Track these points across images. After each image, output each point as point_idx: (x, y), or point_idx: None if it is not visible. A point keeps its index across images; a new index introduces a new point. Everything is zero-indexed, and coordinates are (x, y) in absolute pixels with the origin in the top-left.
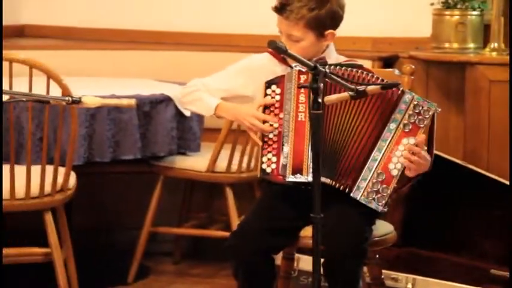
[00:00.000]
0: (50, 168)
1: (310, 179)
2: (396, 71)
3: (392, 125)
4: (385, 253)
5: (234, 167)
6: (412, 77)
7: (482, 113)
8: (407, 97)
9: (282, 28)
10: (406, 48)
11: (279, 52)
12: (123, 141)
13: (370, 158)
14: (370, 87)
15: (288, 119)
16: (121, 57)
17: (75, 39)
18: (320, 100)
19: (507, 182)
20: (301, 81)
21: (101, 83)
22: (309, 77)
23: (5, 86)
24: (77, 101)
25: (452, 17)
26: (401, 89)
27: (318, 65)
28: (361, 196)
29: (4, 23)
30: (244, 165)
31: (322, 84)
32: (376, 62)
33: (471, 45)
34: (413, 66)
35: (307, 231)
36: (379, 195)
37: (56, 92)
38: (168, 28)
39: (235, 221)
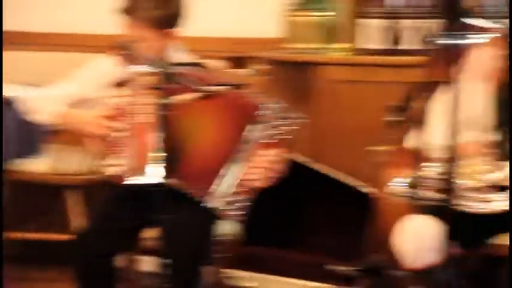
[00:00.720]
0: None
1: (150, 180)
2: (251, 71)
3: (249, 136)
4: (226, 252)
5: (77, 168)
6: (265, 77)
7: (328, 112)
8: (265, 108)
9: (127, 28)
10: (257, 49)
11: (124, 50)
12: None
13: (228, 169)
14: (213, 87)
15: (129, 122)
16: None
17: None
18: (166, 101)
19: (345, 179)
20: (142, 82)
21: None
22: (152, 78)
23: None
24: None
25: (301, 18)
26: (260, 99)
27: (164, 66)
28: (213, 204)
29: None
30: (86, 167)
31: (169, 86)
32: (228, 62)
33: (317, 45)
34: (267, 67)
35: (148, 233)
36: (230, 204)
37: None
38: (14, 28)
39: (75, 224)
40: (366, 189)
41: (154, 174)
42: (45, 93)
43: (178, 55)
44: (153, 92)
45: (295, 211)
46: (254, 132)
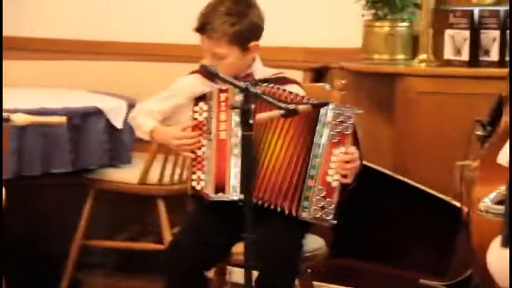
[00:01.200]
0: None
1: (232, 197)
2: (327, 86)
3: (319, 139)
4: (316, 265)
5: (166, 179)
6: (343, 92)
7: (412, 124)
8: (325, 109)
9: (205, 47)
10: (336, 59)
11: (211, 76)
12: (54, 155)
13: (307, 176)
14: (301, 106)
15: (210, 138)
16: (55, 67)
17: (10, 48)
18: (251, 121)
19: (435, 193)
20: (222, 99)
21: (32, 94)
22: (230, 94)
23: None
24: (6, 120)
25: (382, 29)
26: (313, 99)
27: (248, 86)
28: (308, 215)
29: None
30: (176, 177)
31: (253, 106)
32: (307, 73)
33: (400, 56)
34: (343, 82)
35: (239, 247)
36: (325, 210)
37: None
38: (103, 38)
39: (167, 234)
40: (455, 203)
41: (238, 190)
42: (142, 109)
43: (260, 69)
44: (235, 109)
45: (385, 224)
46: (321, 135)
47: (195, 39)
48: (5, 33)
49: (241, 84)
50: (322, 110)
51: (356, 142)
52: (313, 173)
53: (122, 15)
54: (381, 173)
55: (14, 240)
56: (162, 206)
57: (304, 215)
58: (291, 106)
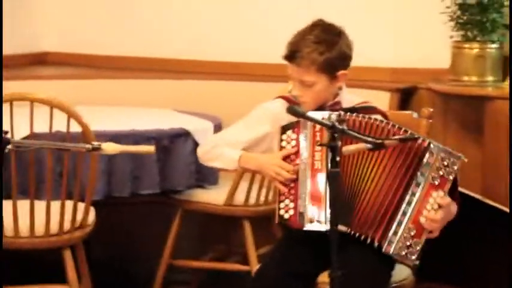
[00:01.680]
0: (69, 204)
1: (326, 228)
2: (414, 114)
3: (420, 179)
4: None
5: (252, 200)
6: (431, 120)
7: (501, 148)
8: (433, 149)
9: (293, 74)
10: (424, 79)
11: (298, 117)
12: (142, 176)
13: (400, 212)
14: (388, 141)
15: (304, 167)
16: (142, 86)
17: (96, 67)
18: (338, 158)
19: None
20: (317, 129)
21: (121, 114)
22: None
23: (27, 126)
24: (97, 148)
25: (471, 50)
26: (427, 141)
27: (335, 124)
28: (393, 251)
29: (25, 50)
30: (262, 198)
31: (340, 143)
32: (394, 94)
33: (490, 78)
34: (431, 110)
35: (325, 277)
36: (410, 249)
37: (76, 126)
38: (188, 56)
39: (252, 254)
40: None
41: (327, 220)
42: (222, 139)
43: (347, 97)
44: (323, 139)
45: (473, 248)
46: (423, 174)
47: (280, 59)
48: (90, 51)
49: (328, 122)
50: (430, 149)
51: (455, 190)
52: (407, 210)
53: (209, 35)
54: (469, 196)
55: (102, 259)
56: (247, 227)
57: (389, 249)
58: (378, 140)
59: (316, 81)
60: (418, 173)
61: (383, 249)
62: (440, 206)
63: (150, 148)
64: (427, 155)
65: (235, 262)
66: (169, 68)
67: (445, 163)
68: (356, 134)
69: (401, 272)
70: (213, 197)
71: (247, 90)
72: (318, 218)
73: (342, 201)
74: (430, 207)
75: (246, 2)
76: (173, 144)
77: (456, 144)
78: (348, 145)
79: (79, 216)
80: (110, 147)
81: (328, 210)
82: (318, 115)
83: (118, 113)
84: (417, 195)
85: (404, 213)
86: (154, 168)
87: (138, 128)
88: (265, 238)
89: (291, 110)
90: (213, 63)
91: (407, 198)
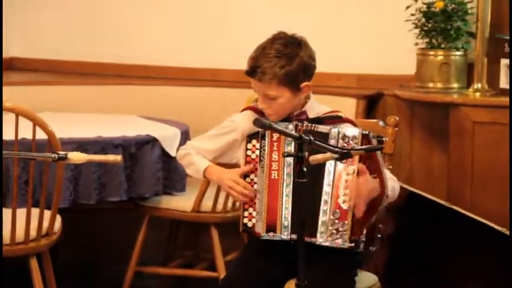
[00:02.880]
0: (35, 212)
1: (284, 237)
2: (380, 123)
3: (329, 165)
4: None
5: (220, 206)
6: (397, 129)
7: (466, 153)
8: (333, 131)
9: (256, 89)
10: (390, 86)
11: (265, 129)
12: (109, 183)
13: (322, 201)
14: (354, 151)
15: (261, 177)
16: (108, 92)
17: (63, 73)
18: (305, 169)
19: (490, 224)
20: (274, 139)
21: (87, 121)
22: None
23: None
24: (63, 158)
25: (436, 57)
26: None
27: (302, 135)
28: (325, 241)
29: None
30: (229, 204)
31: (306, 153)
32: (360, 100)
33: (455, 85)
34: (397, 118)
35: (291, 284)
36: (340, 232)
37: (42, 134)
38: (155, 63)
39: (220, 261)
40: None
41: (289, 230)
42: (193, 147)
43: (314, 107)
44: (289, 157)
45: (439, 254)
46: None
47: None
48: (57, 57)
49: (295, 133)
50: (331, 133)
51: (378, 169)
52: (326, 198)
53: (177, 41)
54: (434, 202)
55: (69, 266)
56: (215, 234)
57: (321, 240)
58: (345, 150)
59: (278, 94)
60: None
61: (317, 242)
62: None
63: (116, 157)
64: (329, 139)
65: (203, 268)
66: (135, 74)
67: (346, 140)
68: (323, 144)
69: (367, 280)
70: (180, 203)
71: (214, 96)
72: (274, 229)
73: (306, 211)
74: (344, 187)
75: (213, 9)
76: (140, 151)
77: (422, 151)
78: (315, 155)
79: (45, 224)
80: (76, 157)
81: (287, 219)
82: (283, 126)
83: (84, 119)
84: (331, 181)
85: (325, 201)
86: (121, 175)
87: (104, 135)
88: (233, 244)
89: (257, 123)
90: (180, 69)
91: (324, 188)
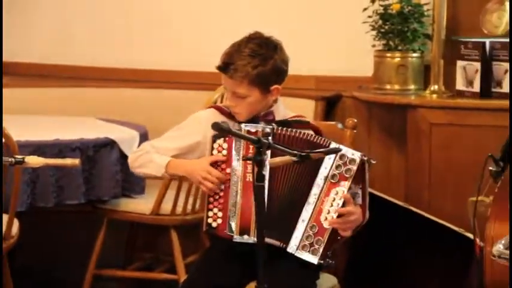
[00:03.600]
0: None
1: (247, 239)
2: (339, 125)
3: (319, 179)
4: None
5: (179, 209)
6: (355, 131)
7: (423, 155)
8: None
9: (227, 85)
10: (348, 87)
11: (223, 133)
12: (67, 186)
13: (302, 211)
14: (313, 154)
15: (235, 179)
16: (65, 94)
17: (20, 75)
18: (264, 172)
19: (448, 224)
20: (243, 140)
21: (44, 123)
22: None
23: None
24: (20, 162)
25: (393, 59)
26: (327, 142)
27: (261, 138)
28: (296, 250)
29: None
30: (189, 207)
31: (266, 156)
32: (319, 102)
33: (412, 86)
34: (355, 120)
35: (251, 287)
36: (313, 247)
37: None
38: (113, 65)
39: (180, 263)
40: (467, 235)
41: (251, 232)
42: (153, 146)
43: (281, 110)
44: (249, 161)
45: (397, 255)
46: (322, 174)
47: (208, 67)
48: (13, 59)
49: (253, 137)
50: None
51: (364, 192)
52: (309, 209)
53: (133, 42)
54: (392, 203)
55: (27, 269)
56: (175, 236)
57: (292, 249)
58: (304, 153)
59: (248, 94)
60: (318, 174)
61: (287, 249)
62: (343, 204)
63: (74, 161)
64: (324, 159)
65: (162, 271)
66: (93, 76)
67: (344, 161)
68: (282, 148)
69: (327, 281)
70: (139, 206)
71: (171, 98)
72: (248, 231)
73: (270, 215)
74: (329, 205)
75: (175, 11)
76: (98, 153)
77: (381, 152)
78: (274, 158)
79: (2, 228)
80: (34, 160)
81: (251, 222)
82: (252, 128)
83: (42, 122)
84: (317, 194)
85: (306, 212)
86: (79, 178)
87: (62, 137)
88: (193, 247)
89: (215, 127)
90: (137, 70)
91: (309, 198)
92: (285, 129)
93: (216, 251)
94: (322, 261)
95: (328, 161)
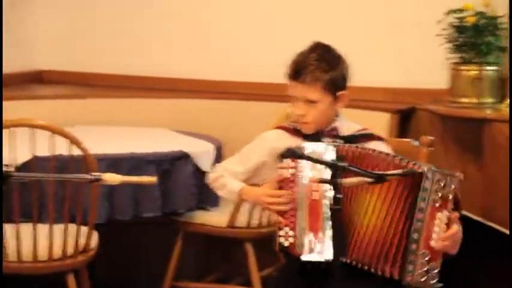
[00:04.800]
0: (72, 228)
1: (325, 258)
2: (415, 143)
3: (421, 204)
4: None
5: (255, 222)
6: (431, 148)
7: (500, 169)
8: (428, 173)
9: (297, 93)
10: (423, 100)
11: (296, 157)
12: (144, 199)
13: (410, 240)
14: (390, 176)
15: (301, 197)
16: (139, 105)
17: (92, 85)
18: (339, 196)
19: None
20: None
21: (119, 135)
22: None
23: (28, 152)
24: (98, 179)
25: (468, 72)
26: (421, 167)
27: (337, 163)
28: (412, 280)
29: (22, 68)
30: (264, 219)
31: (341, 180)
32: (393, 115)
33: (488, 99)
34: (431, 138)
35: None
36: (429, 274)
37: (76, 150)
38: (186, 76)
39: (255, 276)
40: None
41: (324, 252)
42: (225, 169)
43: (345, 124)
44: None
45: (473, 271)
46: (424, 199)
47: (280, 78)
48: (85, 70)
49: (329, 161)
50: (425, 173)
51: (457, 207)
52: (416, 237)
53: (209, 53)
54: (469, 218)
55: (105, 281)
56: (250, 249)
57: (409, 279)
58: (380, 174)
59: (320, 99)
60: (419, 199)
61: (402, 280)
62: (447, 224)
63: (151, 179)
64: (424, 180)
65: (238, 284)
66: (167, 87)
67: (442, 184)
68: (358, 170)
69: None
70: (214, 219)
71: (246, 109)
72: (316, 249)
73: (342, 236)
74: (438, 229)
75: (246, 22)
76: (173, 167)
77: (456, 166)
78: (350, 177)
79: (82, 240)
80: (111, 178)
81: (327, 242)
82: (317, 147)
83: (116, 133)
84: (422, 220)
85: (415, 241)
86: (155, 191)
87: (137, 151)
88: (268, 259)
89: (289, 153)
90: (212, 82)
91: (413, 225)
92: (354, 146)
93: (290, 270)
94: (440, 285)
95: (425, 185)
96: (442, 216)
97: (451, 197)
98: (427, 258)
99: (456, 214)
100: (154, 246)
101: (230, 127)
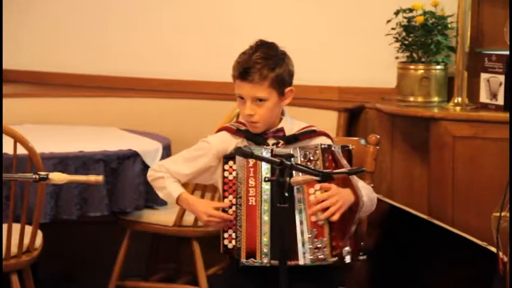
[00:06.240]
0: (16, 227)
1: (263, 262)
2: (362, 141)
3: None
4: None
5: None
6: (378, 147)
7: (446, 168)
8: (294, 153)
9: (245, 93)
10: (371, 99)
11: (246, 157)
12: (90, 198)
13: (297, 223)
14: (336, 174)
15: (240, 203)
16: (88, 104)
17: (43, 84)
18: (286, 194)
19: (472, 238)
20: (250, 164)
21: (68, 134)
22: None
23: None
24: (44, 179)
25: (416, 71)
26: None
27: (283, 160)
28: (306, 260)
29: None
30: None
31: (288, 178)
32: (342, 113)
33: (435, 98)
34: (378, 136)
35: None
36: (321, 249)
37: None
38: (136, 74)
39: (202, 275)
40: (490, 248)
41: (269, 255)
42: (167, 170)
43: (289, 123)
44: (257, 173)
45: (419, 268)
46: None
47: (227, 77)
48: (37, 68)
49: (277, 159)
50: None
51: (346, 179)
52: (301, 218)
53: (156, 52)
54: (416, 216)
55: (50, 280)
56: (197, 248)
57: (304, 260)
58: (326, 172)
59: (268, 96)
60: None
61: (299, 263)
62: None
63: (98, 178)
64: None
65: (185, 282)
66: (116, 86)
67: (308, 158)
68: (305, 169)
69: None
70: (162, 217)
71: (195, 108)
72: (253, 255)
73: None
74: (313, 204)
75: (197, 22)
76: (121, 165)
77: (403, 164)
78: (296, 177)
79: (26, 241)
80: (58, 177)
81: (267, 245)
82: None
83: (65, 132)
84: (301, 200)
85: (300, 222)
86: (102, 190)
87: (85, 149)
88: (215, 258)
89: (238, 151)
90: (161, 81)
91: (296, 207)
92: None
93: (235, 271)
94: (336, 258)
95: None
96: (313, 190)
97: (317, 167)
98: (314, 235)
99: (327, 184)
100: (101, 245)
101: (179, 126)
